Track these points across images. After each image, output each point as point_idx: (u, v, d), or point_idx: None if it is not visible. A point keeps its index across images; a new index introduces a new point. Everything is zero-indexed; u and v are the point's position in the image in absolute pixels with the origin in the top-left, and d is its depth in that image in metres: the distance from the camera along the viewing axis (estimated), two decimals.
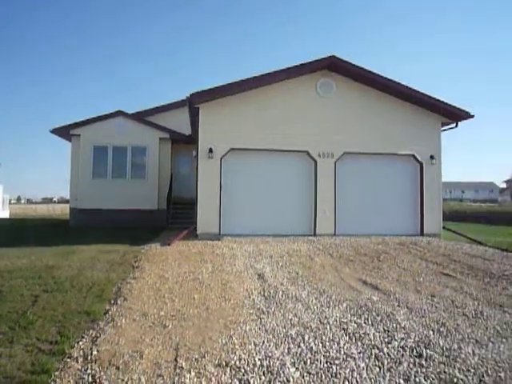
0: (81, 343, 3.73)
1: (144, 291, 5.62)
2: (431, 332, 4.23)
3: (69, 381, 3.04)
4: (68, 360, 3.38)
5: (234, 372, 3.23)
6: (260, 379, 3.13)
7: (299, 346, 3.79)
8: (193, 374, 3.17)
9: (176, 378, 3.09)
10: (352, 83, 12.43)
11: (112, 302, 5.13)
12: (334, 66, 12.02)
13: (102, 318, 4.47)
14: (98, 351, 3.54)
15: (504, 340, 4.06)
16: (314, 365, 3.41)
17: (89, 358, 3.42)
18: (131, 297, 5.33)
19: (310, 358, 3.53)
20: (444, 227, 12.74)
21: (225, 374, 3.18)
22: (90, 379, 3.06)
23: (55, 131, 16.11)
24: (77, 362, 3.35)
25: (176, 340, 3.85)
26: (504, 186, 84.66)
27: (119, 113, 16.44)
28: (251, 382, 3.08)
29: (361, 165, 12.48)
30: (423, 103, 12.43)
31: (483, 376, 3.26)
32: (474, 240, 11.59)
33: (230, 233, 11.35)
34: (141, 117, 17.32)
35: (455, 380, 3.18)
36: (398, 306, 5.17)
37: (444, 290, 5.97)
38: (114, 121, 16.37)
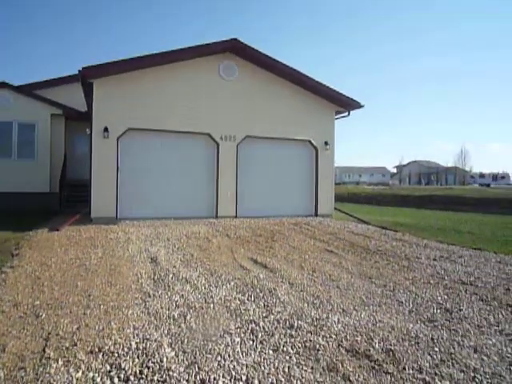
0: None
1: (20, 280, 5.21)
2: (306, 304, 4.60)
3: None
4: None
5: (106, 357, 3.17)
6: (133, 362, 3.12)
7: (179, 327, 3.85)
8: (60, 363, 3.05)
9: (41, 369, 2.95)
10: (255, 68, 12.63)
11: None
12: (236, 49, 12.07)
13: None
14: None
15: (366, 308, 4.58)
16: (191, 343, 3.50)
17: None
18: (4, 287, 4.91)
19: (188, 337, 3.62)
20: (336, 208, 13.81)
21: (96, 360, 3.12)
22: None
23: None
24: None
25: (48, 330, 3.65)
26: (394, 170, 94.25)
27: (3, 85, 14.64)
28: (123, 365, 3.06)
29: (262, 149, 12.85)
30: (319, 92, 13.15)
31: (342, 341, 3.66)
32: (361, 219, 12.77)
33: (128, 216, 10.96)
34: (30, 90, 15.64)
35: (317, 346, 3.52)
36: (282, 281, 5.52)
37: (325, 266, 6.51)
38: None
